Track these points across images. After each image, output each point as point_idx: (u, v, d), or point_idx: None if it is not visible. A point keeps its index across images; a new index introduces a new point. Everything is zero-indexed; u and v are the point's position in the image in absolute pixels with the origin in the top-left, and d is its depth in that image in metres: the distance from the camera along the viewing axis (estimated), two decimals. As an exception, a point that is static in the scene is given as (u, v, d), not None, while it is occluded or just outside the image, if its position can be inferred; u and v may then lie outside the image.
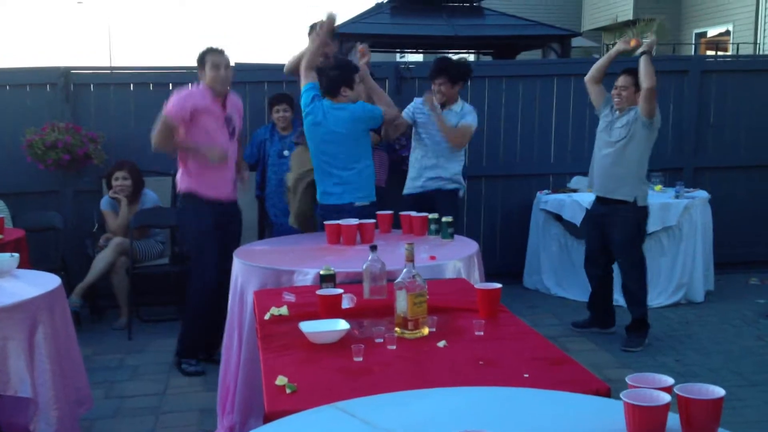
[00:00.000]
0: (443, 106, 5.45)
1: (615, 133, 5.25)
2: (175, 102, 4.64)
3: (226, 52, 4.81)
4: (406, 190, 5.65)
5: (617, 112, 5.29)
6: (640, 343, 5.30)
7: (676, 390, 1.69)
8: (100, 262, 5.86)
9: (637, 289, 5.37)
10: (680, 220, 6.22)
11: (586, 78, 5.50)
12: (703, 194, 6.59)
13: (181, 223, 5.13)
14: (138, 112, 6.59)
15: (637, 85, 5.16)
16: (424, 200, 5.36)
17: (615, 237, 5.34)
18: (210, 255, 4.73)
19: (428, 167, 5.52)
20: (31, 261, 5.23)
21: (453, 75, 5.40)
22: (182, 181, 4.83)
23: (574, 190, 6.79)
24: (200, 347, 4.94)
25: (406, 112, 5.55)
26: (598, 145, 5.39)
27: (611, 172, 5.27)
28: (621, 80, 5.24)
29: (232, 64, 4.89)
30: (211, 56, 4.74)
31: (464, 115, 5.47)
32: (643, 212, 5.33)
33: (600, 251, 5.48)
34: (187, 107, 4.63)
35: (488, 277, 4.19)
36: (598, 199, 5.44)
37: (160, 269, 6.09)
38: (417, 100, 5.60)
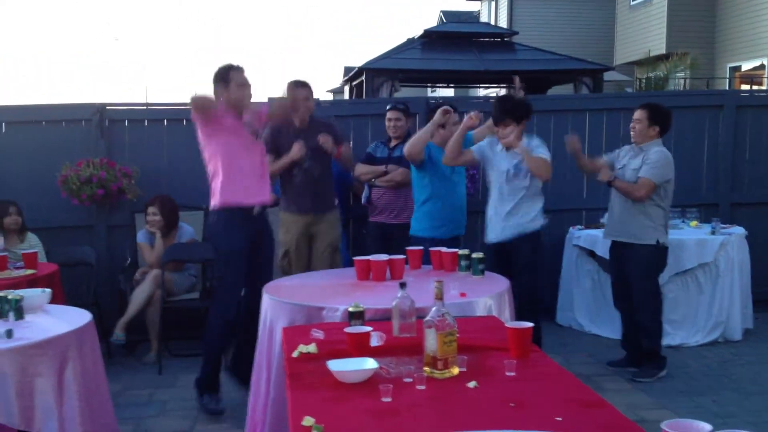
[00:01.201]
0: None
1: (629, 176, 5.27)
2: None
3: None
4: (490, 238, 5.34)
5: (631, 153, 5.34)
6: (652, 374, 5.30)
7: (714, 437, 1.63)
8: (141, 294, 5.89)
9: (649, 322, 5.33)
10: (717, 256, 6.11)
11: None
12: (739, 230, 6.47)
13: (213, 241, 4.97)
14: (172, 148, 6.67)
15: (650, 119, 5.23)
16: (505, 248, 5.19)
17: (632, 270, 5.34)
18: (236, 283, 4.65)
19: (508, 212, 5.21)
20: (65, 295, 5.28)
21: (518, 115, 5.12)
22: (215, 195, 4.72)
23: (608, 226, 6.70)
24: (218, 381, 4.84)
25: (477, 149, 5.27)
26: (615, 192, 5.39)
27: (624, 215, 5.29)
28: (637, 114, 5.30)
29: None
30: (236, 74, 4.67)
31: (534, 149, 5.12)
32: (661, 250, 5.31)
33: (623, 286, 5.44)
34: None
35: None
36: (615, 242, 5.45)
37: (190, 304, 6.11)
38: (488, 141, 5.29)
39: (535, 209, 5.18)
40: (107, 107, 6.66)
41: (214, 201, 4.75)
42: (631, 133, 5.32)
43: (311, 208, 5.50)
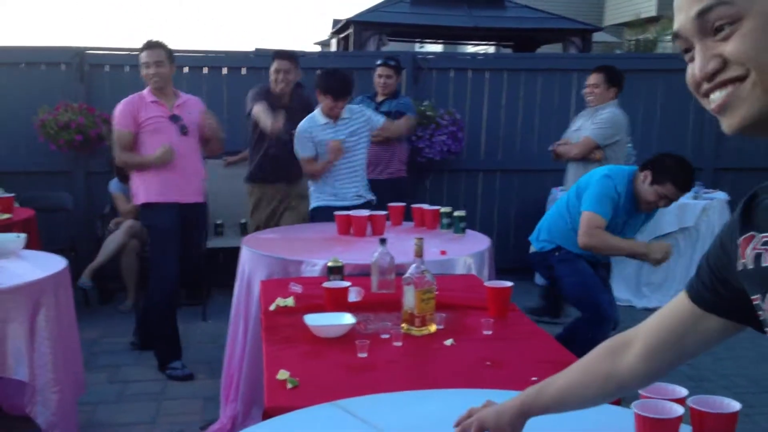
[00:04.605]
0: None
1: (577, 136, 5.37)
2: (117, 113, 4.58)
3: (162, 45, 4.55)
4: None
5: (585, 116, 5.43)
6: None
7: (689, 402, 1.62)
8: (111, 243, 5.82)
9: None
10: (698, 221, 6.12)
11: None
12: (722, 196, 6.47)
13: (145, 228, 4.93)
14: (152, 95, 6.54)
15: (608, 82, 5.29)
16: None
17: None
18: (169, 258, 4.56)
19: None
20: (42, 241, 5.21)
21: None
22: (140, 192, 4.64)
23: (590, 188, 6.70)
24: (179, 345, 4.72)
25: None
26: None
27: (578, 176, 5.30)
28: (593, 78, 5.33)
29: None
30: (144, 53, 4.52)
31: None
32: None
33: None
34: (128, 113, 4.52)
35: (500, 272, 4.13)
36: None
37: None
38: None
39: None
40: (87, 51, 6.52)
41: (140, 197, 4.63)
42: (589, 98, 5.35)
43: (283, 178, 5.28)
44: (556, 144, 5.58)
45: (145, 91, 4.62)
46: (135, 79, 6.52)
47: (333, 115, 4.68)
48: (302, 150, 4.72)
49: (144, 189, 4.60)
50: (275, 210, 5.37)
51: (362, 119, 4.82)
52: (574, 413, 1.83)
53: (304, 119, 4.77)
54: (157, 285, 4.61)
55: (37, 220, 5.31)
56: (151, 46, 4.54)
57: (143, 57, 4.53)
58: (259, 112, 4.99)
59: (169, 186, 4.56)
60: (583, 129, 5.37)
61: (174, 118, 4.59)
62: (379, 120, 4.96)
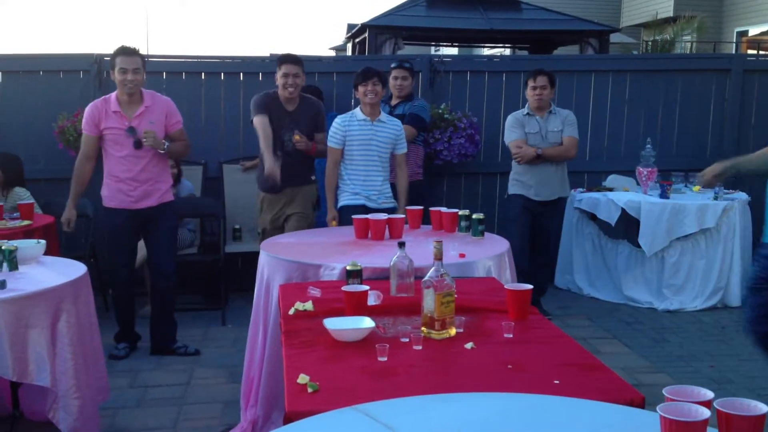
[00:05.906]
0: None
1: (551, 137, 5.58)
2: (84, 116, 4.74)
3: (139, 53, 4.68)
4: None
5: (539, 118, 5.59)
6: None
7: (716, 405, 1.60)
8: (142, 249, 5.83)
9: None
10: (719, 222, 6.07)
11: None
12: (743, 196, 6.41)
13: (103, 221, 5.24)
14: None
15: (551, 84, 5.60)
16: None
17: (558, 221, 6.02)
18: (118, 255, 4.94)
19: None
20: (62, 248, 5.24)
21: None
22: (102, 198, 4.94)
23: (610, 189, 6.66)
24: (125, 333, 5.07)
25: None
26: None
27: (556, 176, 5.66)
28: (541, 80, 5.54)
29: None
30: (120, 58, 4.59)
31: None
32: None
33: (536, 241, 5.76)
34: (91, 119, 4.68)
35: (520, 275, 4.10)
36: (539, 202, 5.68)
37: (189, 258, 6.06)
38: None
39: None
40: (105, 58, 6.55)
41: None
42: (537, 98, 5.53)
43: (288, 184, 5.16)
44: (537, 148, 5.57)
45: (112, 97, 4.72)
46: (153, 85, 6.59)
47: (368, 102, 4.96)
48: (331, 141, 5.05)
49: (102, 195, 4.89)
50: (280, 212, 5.27)
51: (397, 132, 5.10)
52: (599, 418, 1.81)
53: (346, 113, 5.08)
54: (111, 278, 5.15)
55: (57, 227, 5.34)
56: (129, 52, 4.65)
57: (120, 62, 4.60)
58: (262, 146, 5.02)
59: (120, 194, 4.80)
60: (547, 130, 5.57)
61: (130, 131, 4.68)
62: (404, 149, 5.15)
